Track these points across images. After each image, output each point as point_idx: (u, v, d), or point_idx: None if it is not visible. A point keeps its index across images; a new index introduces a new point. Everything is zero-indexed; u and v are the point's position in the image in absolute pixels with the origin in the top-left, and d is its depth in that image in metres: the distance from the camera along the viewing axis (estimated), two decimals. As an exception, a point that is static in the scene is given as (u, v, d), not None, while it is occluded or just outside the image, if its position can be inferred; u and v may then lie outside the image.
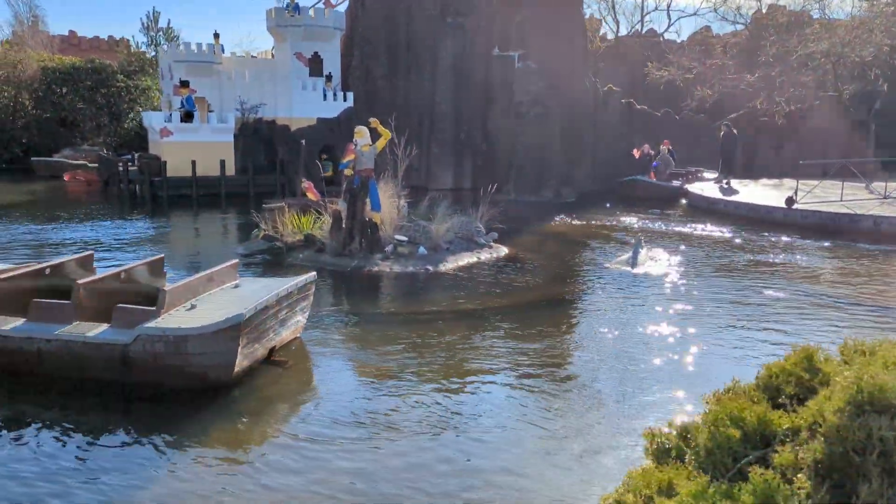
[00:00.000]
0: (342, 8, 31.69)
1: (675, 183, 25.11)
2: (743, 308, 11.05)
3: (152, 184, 25.23)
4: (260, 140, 27.70)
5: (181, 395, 7.60)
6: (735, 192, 23.21)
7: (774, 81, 32.20)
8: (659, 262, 14.13)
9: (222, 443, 6.57)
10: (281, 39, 28.93)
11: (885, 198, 20.06)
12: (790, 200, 19.26)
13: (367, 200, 14.32)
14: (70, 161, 32.89)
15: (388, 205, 14.88)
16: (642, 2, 41.00)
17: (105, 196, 27.22)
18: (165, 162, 25.34)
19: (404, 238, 14.52)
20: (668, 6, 39.58)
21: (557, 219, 20.87)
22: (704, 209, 22.21)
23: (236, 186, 26.21)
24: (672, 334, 9.71)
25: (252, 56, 32.36)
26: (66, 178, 30.42)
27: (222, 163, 25.88)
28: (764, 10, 41.28)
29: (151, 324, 7.74)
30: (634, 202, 23.89)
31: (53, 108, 38.78)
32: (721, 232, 18.35)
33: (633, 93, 34.34)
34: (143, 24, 43.73)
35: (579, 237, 17.98)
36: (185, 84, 26.66)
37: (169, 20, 46.26)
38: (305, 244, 14.67)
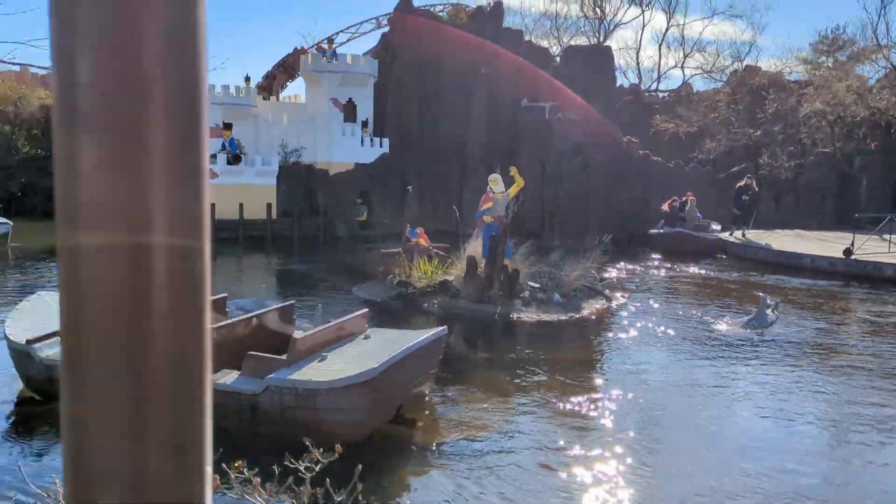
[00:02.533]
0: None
1: (713, 234, 25.85)
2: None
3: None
4: (300, 184, 27.63)
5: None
6: (762, 243, 24.19)
7: (777, 137, 34.14)
8: (785, 321, 13.72)
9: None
10: (316, 84, 29.13)
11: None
12: (848, 251, 20.39)
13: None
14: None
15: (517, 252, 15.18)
16: (659, 60, 42.51)
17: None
18: (214, 204, 24.97)
19: (537, 285, 14.80)
20: (682, 64, 41.24)
21: (624, 266, 21.43)
22: (751, 259, 23.10)
23: (279, 229, 26.01)
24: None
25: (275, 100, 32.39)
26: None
27: (269, 206, 25.72)
28: (741, 71, 43.81)
29: (283, 375, 7.55)
30: (672, 252, 24.17)
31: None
32: (807, 285, 18.64)
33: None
34: None
35: (671, 286, 18.53)
36: (227, 126, 26.52)
37: None
38: (438, 290, 14.76)
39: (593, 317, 14.12)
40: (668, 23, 40.07)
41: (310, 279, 19.01)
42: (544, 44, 36.09)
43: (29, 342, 8.44)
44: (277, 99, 32.74)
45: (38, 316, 9.54)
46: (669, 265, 21.84)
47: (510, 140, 30.65)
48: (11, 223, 23.10)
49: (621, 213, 30.27)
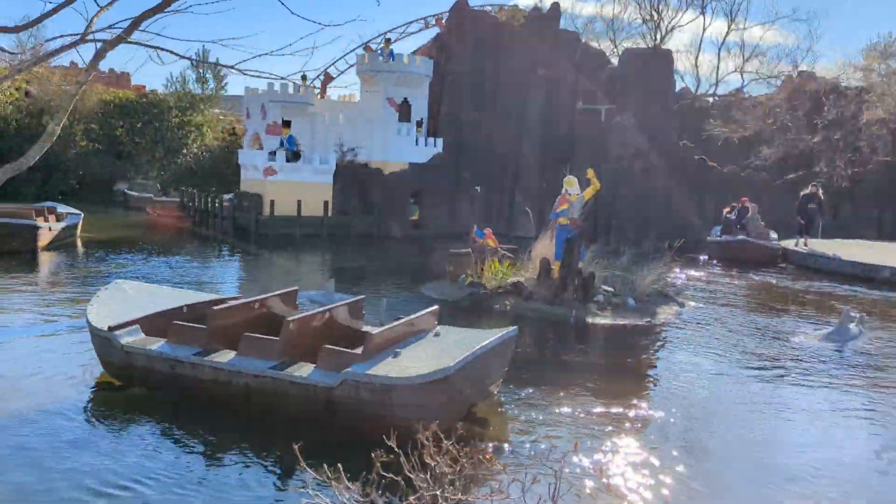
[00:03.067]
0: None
1: (775, 243, 25.25)
2: None
3: (258, 222, 25.03)
4: (355, 182, 27.73)
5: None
6: (830, 253, 23.60)
7: (836, 144, 33.43)
8: (870, 336, 13.16)
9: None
10: (372, 84, 29.21)
11: None
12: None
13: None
14: (153, 197, 32.58)
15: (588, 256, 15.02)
16: (718, 64, 41.82)
17: (201, 232, 26.91)
18: (273, 201, 25.22)
19: (611, 289, 14.63)
20: (742, 69, 40.59)
21: (686, 273, 21.09)
22: (818, 269, 22.56)
23: (335, 227, 26.14)
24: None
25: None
26: (150, 211, 30.00)
27: (325, 203, 25.88)
28: (796, 76, 42.94)
29: (359, 369, 7.56)
30: (732, 261, 23.63)
31: (109, 142, 38.38)
32: (889, 297, 18.14)
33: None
34: (192, 62, 43.71)
35: (741, 294, 18.17)
36: (286, 124, 26.74)
37: (217, 58, 46.09)
38: (511, 292, 14.66)
39: (668, 323, 13.90)
40: (728, 27, 39.30)
41: (373, 276, 19.03)
42: (600, 46, 35.69)
43: (111, 329, 8.61)
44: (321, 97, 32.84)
45: (116, 304, 9.75)
46: (734, 273, 21.44)
47: (565, 143, 30.43)
48: (82, 214, 23.54)
49: (676, 219, 29.89)
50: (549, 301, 14.19)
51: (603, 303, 14.18)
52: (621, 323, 13.59)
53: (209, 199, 27.58)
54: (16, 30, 3.15)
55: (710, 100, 42.85)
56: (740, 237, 24.42)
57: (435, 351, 8.20)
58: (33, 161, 3.31)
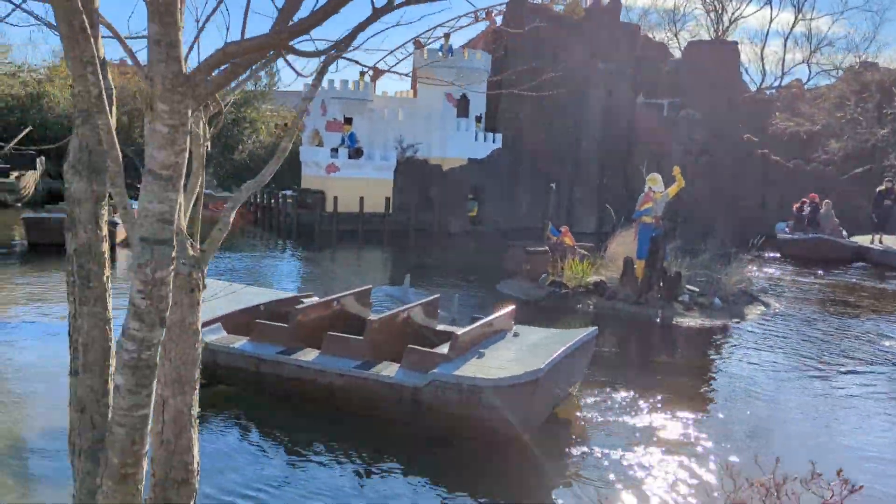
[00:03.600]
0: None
1: (851, 240, 24.30)
2: None
3: (321, 218, 25.13)
4: (415, 179, 27.65)
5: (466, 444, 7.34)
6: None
7: (906, 137, 32.29)
8: None
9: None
10: (430, 79, 29.04)
11: None
12: None
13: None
14: (213, 193, 33.00)
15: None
16: (784, 56, 40.78)
17: (263, 228, 27.16)
18: (336, 197, 25.30)
19: (695, 289, 14.27)
20: (808, 60, 39.48)
21: (767, 271, 20.54)
22: (894, 266, 21.78)
23: (395, 223, 26.12)
24: None
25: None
26: (210, 207, 30.34)
27: (388, 200, 25.87)
28: (859, 67, 41.61)
29: (446, 370, 7.57)
30: (806, 259, 22.85)
31: (168, 138, 39.02)
32: None
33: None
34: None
35: (825, 294, 17.59)
36: (347, 121, 26.76)
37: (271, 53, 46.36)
38: (593, 291, 14.40)
39: (756, 323, 13.50)
40: (795, 18, 38.20)
41: (443, 273, 18.88)
42: (656, 38, 35.03)
43: None
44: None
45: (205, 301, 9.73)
46: (810, 271, 20.80)
47: (625, 138, 29.95)
48: None
49: (742, 216, 29.19)
50: (634, 301, 13.90)
51: (688, 303, 13.83)
52: (708, 324, 13.23)
53: (270, 196, 27.77)
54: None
55: (769, 93, 41.84)
56: (816, 235, 23.64)
57: (519, 352, 8.22)
58: (270, 176, 3.27)
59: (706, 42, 30.26)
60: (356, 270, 20.00)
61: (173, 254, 2.42)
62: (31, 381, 8.70)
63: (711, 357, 11.54)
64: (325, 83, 28.83)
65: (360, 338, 8.32)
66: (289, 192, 27.89)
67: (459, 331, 8.28)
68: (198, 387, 3.09)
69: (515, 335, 8.96)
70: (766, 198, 31.44)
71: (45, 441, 6.99)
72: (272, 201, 27.82)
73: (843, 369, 10.83)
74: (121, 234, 20.14)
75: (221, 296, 10.23)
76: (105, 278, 2.94)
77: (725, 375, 10.47)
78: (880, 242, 23.86)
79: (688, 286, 14.27)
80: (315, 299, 10.04)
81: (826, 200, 24.71)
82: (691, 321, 13.30)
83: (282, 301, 10.06)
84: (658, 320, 13.30)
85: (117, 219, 19.82)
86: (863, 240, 24.21)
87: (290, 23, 2.41)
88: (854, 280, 19.76)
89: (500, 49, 30.83)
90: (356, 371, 7.91)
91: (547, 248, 15.85)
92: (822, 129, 33.93)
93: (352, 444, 7.27)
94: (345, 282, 16.44)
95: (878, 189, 24.47)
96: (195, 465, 3.14)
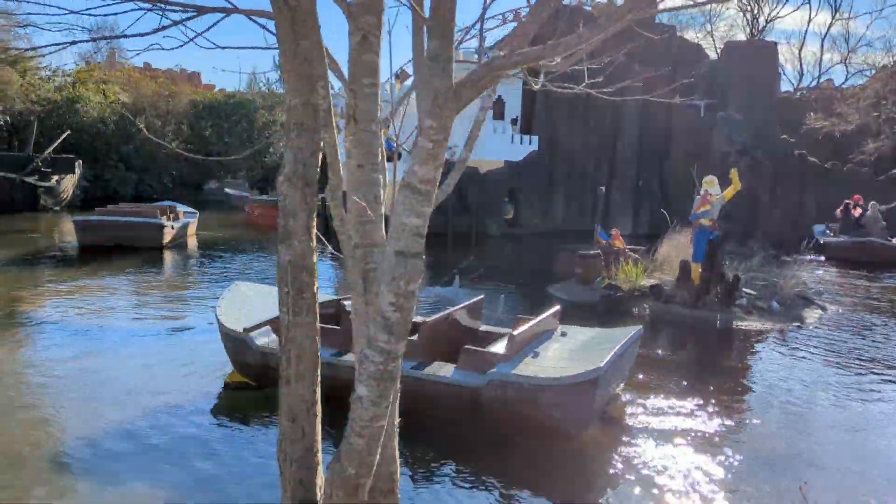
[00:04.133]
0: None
1: None
2: None
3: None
4: (452, 181, 27.66)
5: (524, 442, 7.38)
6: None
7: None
8: None
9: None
10: (466, 82, 29.09)
11: None
12: None
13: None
14: (250, 196, 33.30)
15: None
16: (821, 56, 40.35)
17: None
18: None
19: (753, 292, 14.18)
20: (846, 60, 39.07)
21: (816, 273, 20.32)
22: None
23: (433, 226, 26.12)
24: None
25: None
26: (248, 210, 30.58)
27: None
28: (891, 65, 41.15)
29: (504, 369, 7.63)
30: (852, 262, 22.47)
31: (201, 142, 39.32)
32: None
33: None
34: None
35: (884, 298, 17.40)
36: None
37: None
38: (649, 294, 14.34)
39: (815, 328, 13.36)
40: (832, 17, 37.81)
41: (490, 275, 18.85)
42: (697, 38, 34.86)
43: (246, 330, 8.73)
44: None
45: (241, 306, 9.88)
46: (860, 274, 20.55)
47: (662, 138, 29.81)
48: (197, 213, 24.15)
49: (779, 217, 28.95)
50: (691, 304, 13.83)
51: (746, 306, 13.74)
52: (767, 327, 13.13)
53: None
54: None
55: (800, 93, 41.44)
56: (865, 237, 23.29)
57: (572, 351, 8.32)
58: (452, 187, 3.32)
59: (745, 42, 30.04)
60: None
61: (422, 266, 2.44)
62: (90, 385, 8.82)
63: (768, 361, 11.44)
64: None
65: (415, 339, 8.32)
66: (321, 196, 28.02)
67: (515, 330, 8.35)
68: (397, 397, 3.12)
69: (563, 334, 9.06)
70: (803, 199, 31.16)
71: (115, 442, 7.09)
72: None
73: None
74: (167, 236, 20.35)
75: (262, 299, 10.30)
76: (315, 289, 2.98)
77: (780, 380, 10.36)
78: None
79: (745, 289, 14.18)
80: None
81: (872, 202, 24.39)
82: (749, 325, 13.20)
83: (323, 304, 10.09)
84: (719, 324, 13.21)
85: (163, 220, 20.13)
86: None
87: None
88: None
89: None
90: (414, 372, 7.93)
91: (599, 251, 15.80)
92: (857, 128, 33.57)
93: (407, 443, 7.33)
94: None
95: None
96: (398, 475, 3.17)
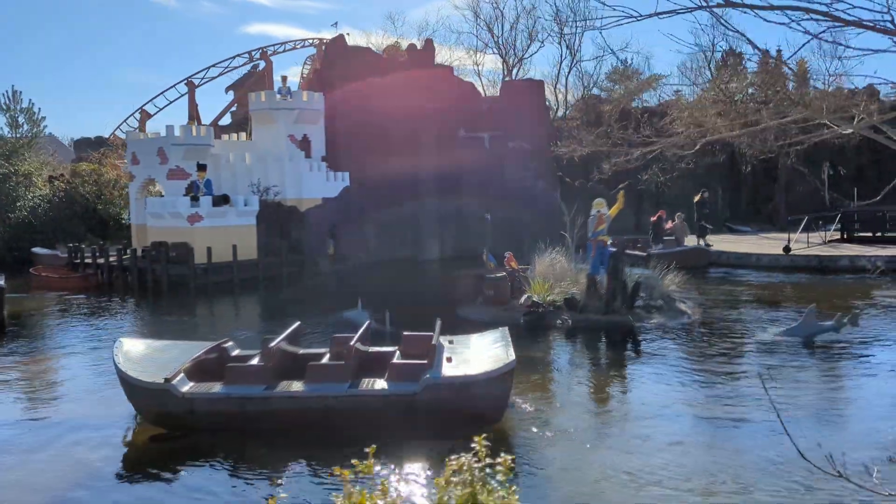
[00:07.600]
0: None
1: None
2: None
3: (195, 272, 23.78)
4: (276, 222, 27.29)
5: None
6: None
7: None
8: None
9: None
10: (271, 121, 28.88)
11: None
12: None
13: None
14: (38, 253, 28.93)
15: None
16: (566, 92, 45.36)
17: (118, 288, 24.71)
18: (210, 248, 24.12)
19: (643, 294, 16.84)
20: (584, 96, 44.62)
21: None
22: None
23: (267, 268, 25.65)
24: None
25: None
26: (33, 272, 26.72)
27: (261, 246, 25.39)
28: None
29: (434, 374, 9.29)
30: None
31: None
32: None
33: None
34: (0, 103, 38.82)
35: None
36: (201, 167, 25.60)
37: (31, 100, 41.59)
38: (564, 307, 16.23)
39: (703, 321, 16.34)
40: (571, 61, 43.53)
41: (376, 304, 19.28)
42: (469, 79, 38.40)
43: (167, 380, 9.12)
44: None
45: (139, 360, 10.09)
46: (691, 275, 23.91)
47: (455, 168, 32.35)
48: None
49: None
50: (602, 312, 16.03)
51: (646, 307, 16.34)
52: (672, 322, 15.83)
53: (119, 253, 25.43)
54: None
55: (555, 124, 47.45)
56: (683, 246, 26.19)
57: (475, 353, 10.09)
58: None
59: (518, 81, 34.18)
60: (267, 315, 19.65)
61: None
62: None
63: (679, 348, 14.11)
64: (163, 130, 27.31)
65: (342, 363, 9.49)
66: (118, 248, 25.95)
67: (436, 343, 9.81)
68: None
69: (451, 342, 10.68)
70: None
71: None
72: (118, 261, 25.47)
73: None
74: None
75: (154, 352, 10.51)
76: None
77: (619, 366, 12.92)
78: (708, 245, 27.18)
79: (640, 293, 16.76)
80: (232, 343, 10.80)
81: (678, 213, 27.45)
82: (655, 321, 15.81)
83: (210, 350, 10.38)
84: (637, 324, 15.56)
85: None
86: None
87: None
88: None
89: (323, 90, 31.46)
90: (353, 391, 9.11)
91: (505, 274, 17.41)
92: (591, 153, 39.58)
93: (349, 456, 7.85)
94: (271, 325, 16.25)
95: (695, 200, 28.48)
96: None
